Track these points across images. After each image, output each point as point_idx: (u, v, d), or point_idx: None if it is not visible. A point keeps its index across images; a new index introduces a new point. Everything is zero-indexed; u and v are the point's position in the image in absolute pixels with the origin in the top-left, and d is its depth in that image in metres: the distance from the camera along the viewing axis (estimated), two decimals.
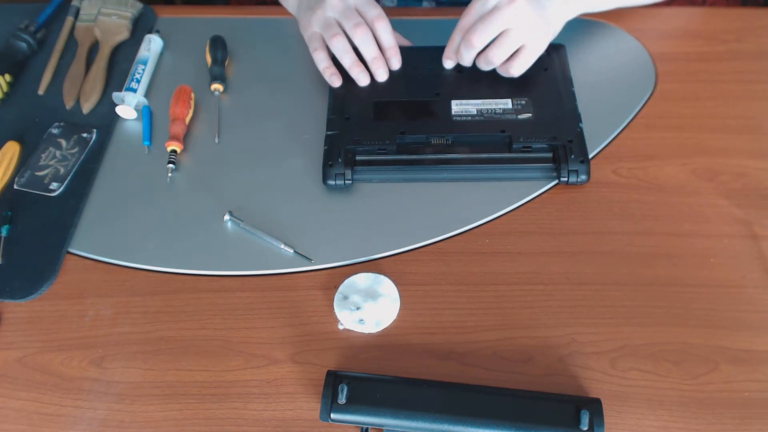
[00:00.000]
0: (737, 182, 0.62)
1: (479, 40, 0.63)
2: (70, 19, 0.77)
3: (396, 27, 0.70)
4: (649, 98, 0.69)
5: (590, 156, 0.64)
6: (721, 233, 0.59)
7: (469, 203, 0.61)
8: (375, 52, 0.67)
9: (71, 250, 0.60)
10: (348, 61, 0.67)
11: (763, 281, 0.56)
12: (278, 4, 0.78)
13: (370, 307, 0.55)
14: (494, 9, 0.62)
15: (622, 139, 0.66)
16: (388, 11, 0.69)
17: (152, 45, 0.73)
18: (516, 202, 0.62)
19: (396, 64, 0.68)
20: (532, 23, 0.63)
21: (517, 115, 0.64)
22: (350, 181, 0.62)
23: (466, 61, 0.67)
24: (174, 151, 0.65)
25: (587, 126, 0.65)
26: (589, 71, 0.71)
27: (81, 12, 0.77)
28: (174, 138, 0.65)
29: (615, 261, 0.58)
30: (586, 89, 0.68)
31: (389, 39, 0.68)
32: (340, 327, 0.55)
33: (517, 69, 0.65)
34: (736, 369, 0.52)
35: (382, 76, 0.67)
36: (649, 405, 0.50)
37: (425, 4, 0.87)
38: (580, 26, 0.74)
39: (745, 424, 0.49)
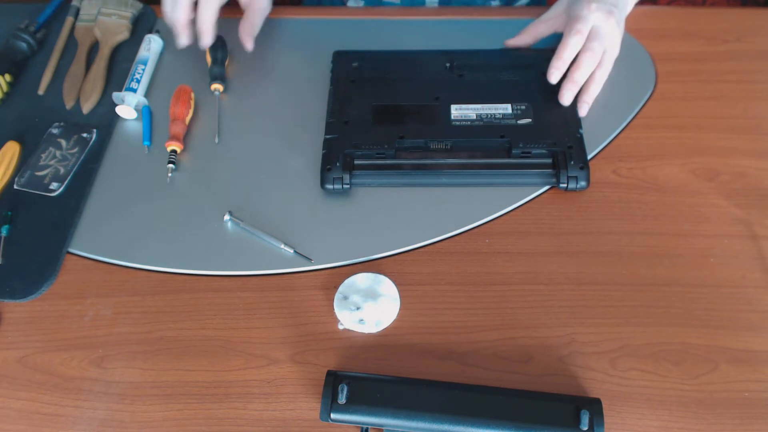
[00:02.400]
0: (737, 182, 0.62)
1: (582, 77, 0.66)
2: (70, 19, 0.77)
3: (402, 27, 0.69)
4: (649, 98, 0.69)
5: (590, 156, 0.64)
6: (721, 233, 0.59)
7: (469, 204, 0.61)
8: (204, 18, 0.67)
9: (71, 250, 0.60)
10: (178, 14, 0.67)
11: (763, 281, 0.56)
12: (279, 3, 0.78)
13: (370, 307, 0.55)
14: (591, 35, 0.65)
15: (622, 139, 0.66)
16: (394, 11, 0.69)
17: (152, 45, 0.73)
18: (516, 202, 0.62)
19: (204, 40, 0.68)
20: (616, 35, 0.67)
21: (516, 121, 0.64)
22: (348, 186, 0.62)
23: (566, 100, 0.66)
24: (174, 151, 0.65)
25: (587, 126, 0.65)
26: None
27: (81, 12, 0.77)
28: (174, 138, 0.65)
29: (615, 261, 0.58)
30: None
31: (206, 19, 0.67)
32: (340, 327, 0.55)
33: (602, 76, 0.67)
34: (736, 369, 0.52)
35: (201, 41, 0.68)
36: (649, 405, 0.50)
37: (428, 3, 0.87)
38: None
39: (745, 424, 0.49)
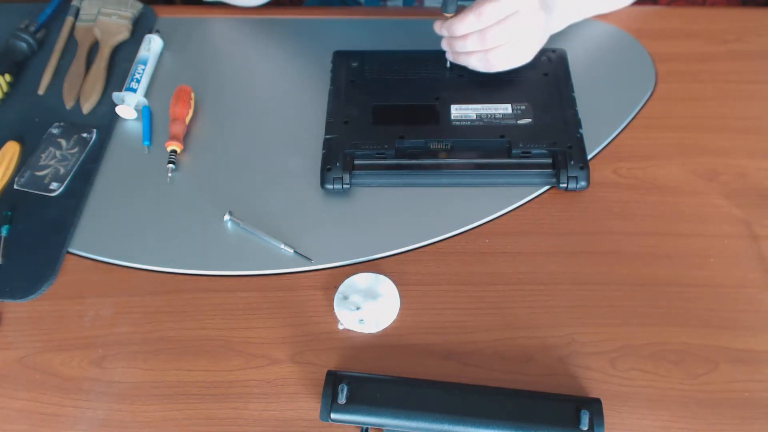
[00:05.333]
0: (737, 182, 0.62)
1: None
2: (70, 19, 0.77)
3: (402, 27, 0.69)
4: (649, 98, 0.69)
5: (590, 156, 0.64)
6: (721, 233, 0.59)
7: (469, 204, 0.61)
8: None
9: (71, 250, 0.60)
10: None
11: (763, 281, 0.56)
12: (279, 4, 0.78)
13: (370, 307, 0.55)
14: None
15: (622, 139, 0.66)
16: (395, 11, 0.68)
17: (152, 45, 0.73)
18: (516, 202, 0.62)
19: None
20: (538, 23, 0.63)
21: (516, 120, 0.64)
22: (348, 186, 0.62)
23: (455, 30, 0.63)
24: (174, 151, 0.65)
25: (587, 126, 0.65)
26: (589, 71, 0.71)
27: (81, 12, 0.77)
28: (174, 138, 0.65)
29: (615, 261, 0.58)
30: (586, 89, 0.68)
31: None
32: (340, 327, 0.55)
33: (497, 58, 0.64)
34: (736, 369, 0.52)
35: None
36: (649, 405, 0.50)
37: (427, 2, 0.87)
38: (580, 27, 0.74)
39: (746, 424, 0.49)
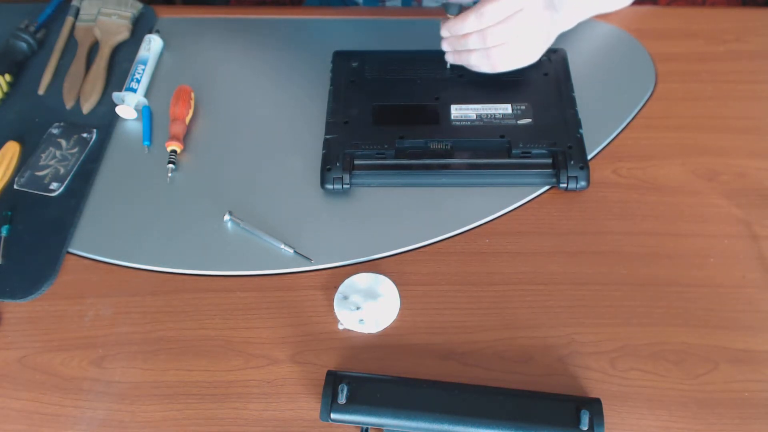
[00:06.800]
0: (737, 182, 0.62)
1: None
2: (70, 19, 0.77)
3: (402, 27, 0.69)
4: (649, 98, 0.69)
5: (590, 156, 0.64)
6: (721, 233, 0.59)
7: (469, 204, 0.61)
8: None
9: (71, 250, 0.60)
10: None
11: (763, 281, 0.56)
12: (278, 4, 0.78)
13: (370, 307, 0.55)
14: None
15: (622, 139, 0.66)
16: (395, 11, 0.68)
17: (152, 45, 0.73)
18: (516, 202, 0.62)
19: None
20: (542, 21, 0.62)
21: (516, 121, 0.64)
22: (348, 186, 0.62)
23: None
24: (174, 151, 0.65)
25: (587, 126, 0.65)
26: (590, 71, 0.71)
27: (81, 12, 0.77)
28: (174, 138, 0.65)
29: (615, 261, 0.58)
30: (586, 89, 0.68)
31: None
32: (340, 327, 0.55)
33: (499, 57, 0.63)
34: (736, 369, 0.52)
35: None
36: (649, 405, 0.50)
37: (425, 2, 0.87)
38: (580, 27, 0.74)
39: (746, 424, 0.49)
